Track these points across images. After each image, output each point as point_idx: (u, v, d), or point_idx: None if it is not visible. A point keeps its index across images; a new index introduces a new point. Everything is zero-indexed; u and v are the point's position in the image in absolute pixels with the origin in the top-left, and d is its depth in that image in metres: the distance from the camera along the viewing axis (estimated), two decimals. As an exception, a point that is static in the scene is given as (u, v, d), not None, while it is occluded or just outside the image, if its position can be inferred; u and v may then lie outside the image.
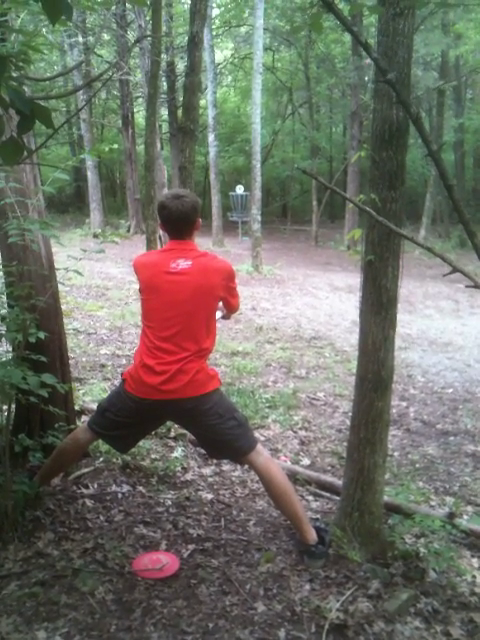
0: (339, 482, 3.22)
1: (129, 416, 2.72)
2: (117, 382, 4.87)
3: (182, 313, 2.59)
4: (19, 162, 1.81)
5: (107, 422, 2.79)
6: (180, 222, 2.64)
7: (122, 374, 2.78)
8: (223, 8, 21.18)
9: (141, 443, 3.67)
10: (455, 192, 1.84)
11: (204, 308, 2.64)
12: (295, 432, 4.41)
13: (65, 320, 3.79)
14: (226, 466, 3.72)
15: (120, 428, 2.79)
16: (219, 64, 22.18)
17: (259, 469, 2.76)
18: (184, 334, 2.60)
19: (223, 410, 2.69)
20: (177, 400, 2.61)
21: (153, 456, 3.71)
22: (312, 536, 2.73)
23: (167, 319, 2.60)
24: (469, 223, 1.84)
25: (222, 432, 2.68)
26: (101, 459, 3.60)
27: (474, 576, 2.68)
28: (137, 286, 2.76)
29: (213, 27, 18.81)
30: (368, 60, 15.07)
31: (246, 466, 3.53)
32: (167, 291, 2.58)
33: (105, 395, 4.27)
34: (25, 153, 1.81)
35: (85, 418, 3.99)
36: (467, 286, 1.93)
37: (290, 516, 2.81)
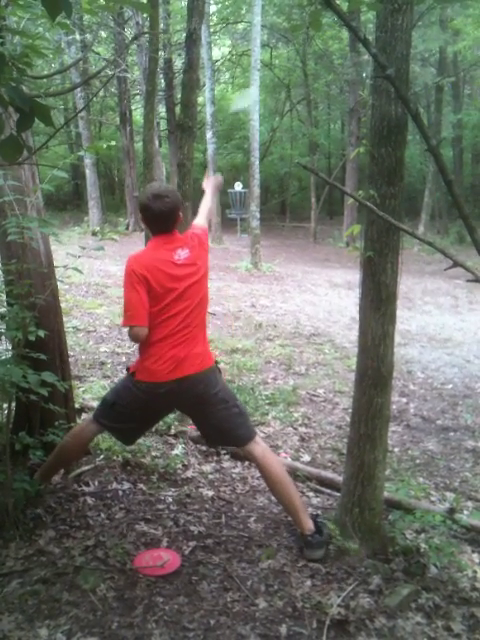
0: (339, 478, 3.22)
1: (139, 407, 2.77)
2: (117, 380, 4.87)
3: (193, 301, 2.70)
4: (19, 161, 1.81)
5: (116, 415, 2.83)
6: (163, 222, 2.71)
7: (128, 368, 2.81)
8: (221, 5, 21.11)
9: (141, 440, 3.67)
10: (455, 187, 1.84)
11: (205, 286, 2.80)
12: (295, 429, 4.42)
13: (65, 318, 3.79)
14: (226, 463, 3.73)
15: (129, 421, 2.84)
16: (217, 61, 22.12)
17: (257, 458, 2.81)
18: (196, 317, 2.73)
19: (228, 396, 2.82)
20: (192, 376, 2.68)
21: (154, 453, 3.72)
22: (308, 525, 2.75)
23: (178, 308, 2.66)
24: (469, 218, 1.84)
25: (225, 419, 2.77)
26: (101, 457, 3.61)
27: (475, 571, 2.68)
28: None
29: (211, 24, 18.77)
30: (366, 56, 15.06)
31: (247, 463, 3.55)
32: (179, 283, 2.66)
33: (105, 393, 4.26)
34: (25, 151, 1.81)
35: (85, 416, 3.98)
36: (468, 280, 1.94)
37: (286, 505, 2.84)
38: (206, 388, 2.73)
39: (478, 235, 1.75)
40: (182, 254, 2.70)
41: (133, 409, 2.78)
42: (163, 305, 2.65)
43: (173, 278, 2.65)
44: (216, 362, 2.87)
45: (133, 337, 2.68)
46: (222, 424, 2.79)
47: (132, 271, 2.62)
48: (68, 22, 1.74)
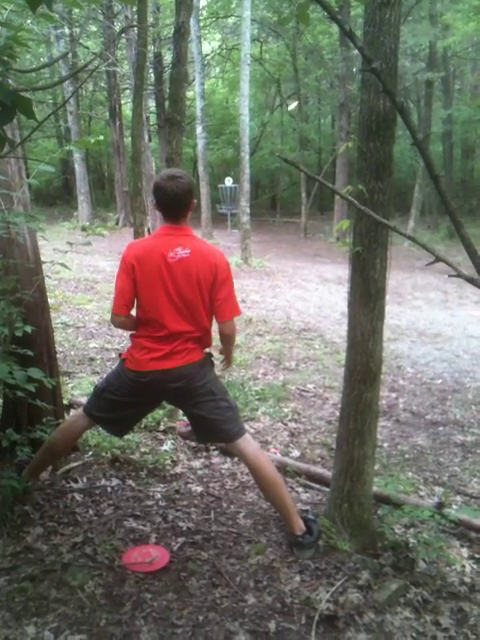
0: (329, 473, 3.22)
1: (128, 395, 2.76)
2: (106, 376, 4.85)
3: (181, 303, 2.62)
4: (2, 155, 1.79)
5: (105, 403, 2.82)
6: (175, 204, 2.64)
7: (121, 355, 2.82)
8: (210, -1, 21.08)
9: (130, 437, 3.66)
10: (441, 183, 1.83)
11: (203, 295, 2.66)
12: (285, 424, 4.42)
13: (54, 314, 3.77)
14: (216, 459, 3.72)
15: (118, 409, 2.82)
16: (207, 55, 22.07)
17: (248, 458, 2.78)
18: (184, 321, 2.65)
19: (216, 389, 2.77)
20: (174, 369, 2.65)
21: (142, 449, 3.70)
22: (300, 526, 2.74)
23: (165, 308, 2.62)
24: (455, 213, 1.84)
25: (213, 411, 2.73)
26: (90, 453, 3.59)
27: (463, 566, 2.69)
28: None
29: (200, 18, 18.68)
30: (356, 51, 15.03)
31: (236, 459, 3.54)
32: (167, 281, 2.60)
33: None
34: (8, 145, 1.79)
35: (74, 412, 3.96)
36: (450, 276, 1.94)
37: (278, 506, 2.83)
38: (191, 380, 2.69)
39: (465, 230, 1.74)
40: (180, 253, 2.60)
41: (122, 396, 2.77)
42: (149, 299, 2.63)
43: (159, 274, 2.59)
44: (209, 354, 2.82)
45: (112, 321, 2.78)
46: (209, 415, 2.74)
47: (124, 258, 2.66)
48: (54, 15, 1.71)
